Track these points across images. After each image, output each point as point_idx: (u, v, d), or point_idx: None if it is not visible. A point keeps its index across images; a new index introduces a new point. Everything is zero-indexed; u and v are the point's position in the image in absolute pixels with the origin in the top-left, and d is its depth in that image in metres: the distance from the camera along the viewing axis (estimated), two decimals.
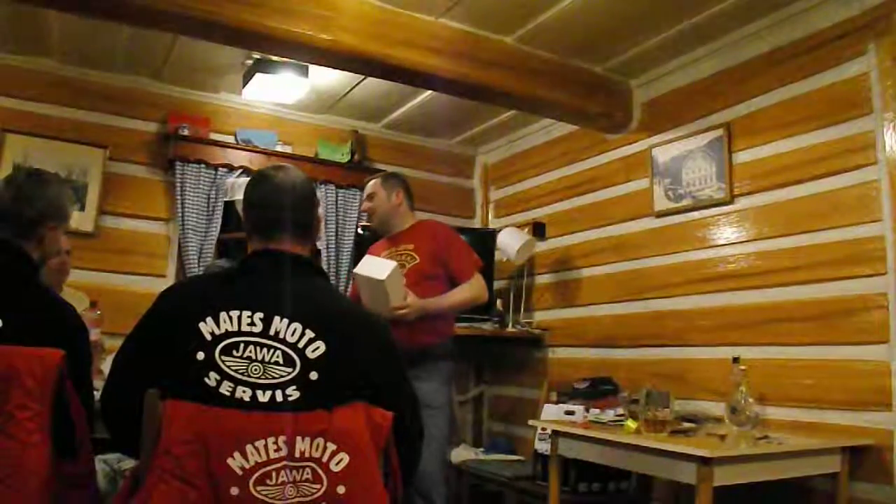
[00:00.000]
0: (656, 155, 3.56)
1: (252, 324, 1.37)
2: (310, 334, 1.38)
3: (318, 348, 1.38)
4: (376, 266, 2.73)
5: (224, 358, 1.34)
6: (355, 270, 2.84)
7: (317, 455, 1.28)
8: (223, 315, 1.37)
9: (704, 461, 2.14)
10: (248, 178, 1.80)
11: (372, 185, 3.09)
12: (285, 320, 1.38)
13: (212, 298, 1.41)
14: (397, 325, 2.61)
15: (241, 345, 1.35)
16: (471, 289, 2.93)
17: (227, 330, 1.36)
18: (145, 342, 1.43)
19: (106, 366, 1.52)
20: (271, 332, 1.37)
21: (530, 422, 3.16)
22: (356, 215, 4.26)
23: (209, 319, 1.36)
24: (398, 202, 3.04)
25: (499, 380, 4.65)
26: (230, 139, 4.09)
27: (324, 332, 1.39)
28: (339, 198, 4.26)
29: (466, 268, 2.96)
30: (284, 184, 1.59)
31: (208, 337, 1.35)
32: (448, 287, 2.93)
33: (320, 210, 4.08)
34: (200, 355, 1.34)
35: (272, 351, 1.36)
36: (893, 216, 2.54)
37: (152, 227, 3.93)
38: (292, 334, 1.37)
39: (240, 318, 1.37)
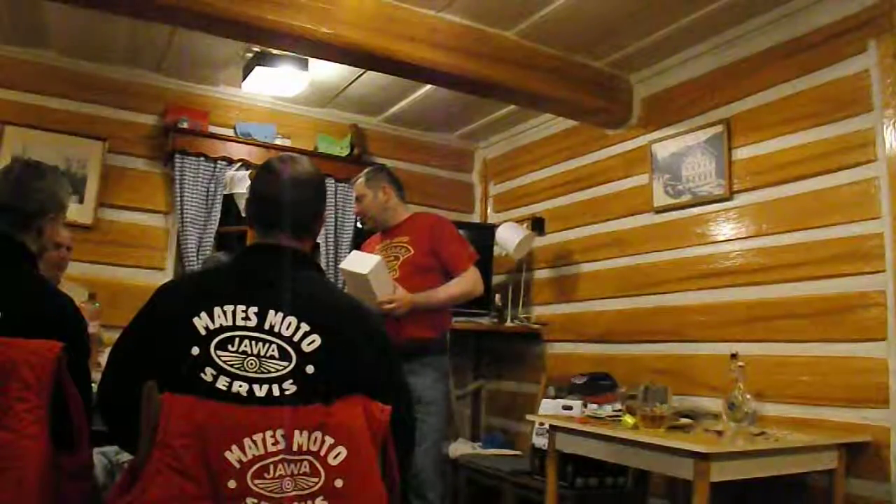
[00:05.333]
0: (656, 151, 3.56)
1: (246, 318, 1.36)
2: (305, 328, 1.37)
3: (313, 342, 1.37)
4: (360, 261, 2.71)
5: (219, 353, 1.34)
6: (341, 265, 2.81)
7: (314, 448, 1.28)
8: (217, 310, 1.36)
9: (702, 457, 2.15)
10: (255, 169, 1.80)
11: (357, 186, 3.01)
12: (280, 314, 1.37)
13: (206, 294, 1.41)
14: (388, 319, 2.60)
15: (236, 339, 1.35)
16: (464, 282, 2.85)
17: (221, 325, 1.35)
18: (140, 338, 1.43)
19: (104, 358, 1.51)
20: (266, 326, 1.36)
21: (528, 417, 3.17)
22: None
23: (203, 315, 1.36)
24: (387, 197, 2.97)
25: (497, 374, 4.66)
26: (229, 132, 4.09)
27: (318, 325, 1.38)
28: (339, 192, 4.25)
29: (461, 260, 2.89)
30: (288, 178, 1.57)
31: (203, 332, 1.35)
32: (444, 280, 2.87)
33: None
34: (195, 351, 1.34)
35: (267, 345, 1.35)
36: (892, 214, 2.54)
37: (151, 220, 3.93)
38: (287, 328, 1.37)
39: (234, 312, 1.37)
